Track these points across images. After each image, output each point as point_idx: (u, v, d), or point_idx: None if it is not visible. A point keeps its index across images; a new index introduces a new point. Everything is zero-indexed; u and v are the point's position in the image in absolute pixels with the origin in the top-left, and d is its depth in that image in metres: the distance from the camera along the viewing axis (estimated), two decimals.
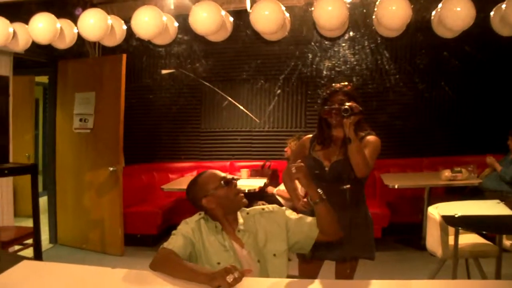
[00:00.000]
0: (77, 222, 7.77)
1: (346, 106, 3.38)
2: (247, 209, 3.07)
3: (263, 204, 3.21)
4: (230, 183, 2.94)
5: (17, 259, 3.04)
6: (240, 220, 2.96)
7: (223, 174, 2.99)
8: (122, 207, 7.30)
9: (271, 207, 3.09)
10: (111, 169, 7.22)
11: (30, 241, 6.01)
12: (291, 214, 3.04)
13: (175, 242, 2.80)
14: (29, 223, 6.21)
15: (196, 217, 3.00)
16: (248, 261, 2.86)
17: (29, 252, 5.96)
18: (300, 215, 3.07)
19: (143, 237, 7.73)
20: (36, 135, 10.88)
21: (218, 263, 2.81)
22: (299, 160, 3.13)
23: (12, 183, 7.22)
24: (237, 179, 3.02)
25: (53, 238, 8.07)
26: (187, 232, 2.87)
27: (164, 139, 9.13)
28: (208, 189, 2.95)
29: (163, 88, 8.82)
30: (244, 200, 2.96)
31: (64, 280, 2.66)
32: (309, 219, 3.02)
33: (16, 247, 6.06)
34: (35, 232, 5.70)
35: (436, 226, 4.84)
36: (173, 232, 2.91)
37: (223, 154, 8.91)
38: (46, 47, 6.56)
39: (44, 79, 9.35)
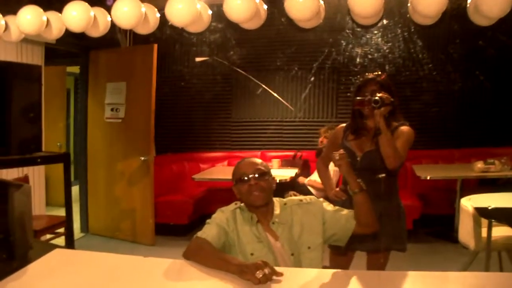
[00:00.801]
0: (108, 211, 7.82)
1: (376, 97, 3.35)
2: (285, 199, 3.06)
3: (294, 195, 3.21)
4: (242, 181, 2.93)
5: (49, 247, 3.06)
6: (276, 212, 2.94)
7: (245, 169, 2.96)
8: (153, 197, 7.33)
9: (308, 198, 3.06)
10: (143, 158, 7.26)
11: (61, 230, 6.06)
12: (328, 206, 3.02)
13: (209, 231, 2.83)
14: (60, 212, 6.25)
15: (232, 206, 3.01)
16: (281, 253, 2.85)
17: (60, 241, 6.01)
18: (337, 207, 3.04)
19: (174, 227, 7.75)
20: (68, 125, 10.97)
21: (252, 254, 2.81)
22: (341, 150, 3.12)
23: (44, 172, 7.27)
24: (263, 172, 2.97)
25: (84, 228, 8.14)
26: (222, 221, 2.88)
27: (195, 129, 9.13)
28: (233, 180, 3.03)
29: (194, 76, 8.83)
30: (258, 201, 2.91)
31: (97, 269, 2.66)
32: (346, 211, 3.01)
33: (48, 236, 6.11)
34: (68, 221, 5.72)
35: (469, 218, 4.78)
36: (208, 221, 2.92)
37: (254, 144, 8.89)
38: (77, 37, 6.59)
39: (75, 69, 9.43)
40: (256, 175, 2.91)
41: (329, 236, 2.96)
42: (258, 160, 3.03)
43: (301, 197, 3.10)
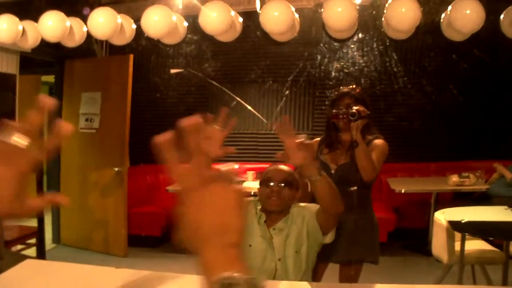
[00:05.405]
0: (81, 222, 7.74)
1: (353, 110, 3.37)
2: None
3: None
4: (266, 185, 2.99)
5: (20, 258, 3.03)
6: (282, 220, 3.00)
7: (272, 174, 3.03)
8: (126, 208, 7.29)
9: (306, 204, 3.15)
10: (116, 169, 7.22)
11: (33, 240, 6.00)
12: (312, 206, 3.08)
13: None
14: (32, 223, 6.19)
15: (249, 199, 3.16)
16: (275, 253, 2.93)
17: (31, 251, 5.96)
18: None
19: (147, 238, 7.71)
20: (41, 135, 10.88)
21: (250, 245, 2.91)
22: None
23: None
24: (289, 182, 3.00)
25: (56, 238, 8.06)
26: None
27: None
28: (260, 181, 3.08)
29: (170, 88, 8.80)
30: (272, 207, 2.98)
31: (68, 280, 2.64)
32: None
33: (19, 247, 6.06)
34: (39, 232, 5.70)
35: (443, 231, 4.81)
36: None
37: (229, 156, 8.83)
38: (53, 47, 6.57)
39: (50, 78, 9.37)
40: (281, 184, 2.96)
41: (311, 234, 3.00)
42: (288, 170, 3.07)
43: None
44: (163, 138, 1.01)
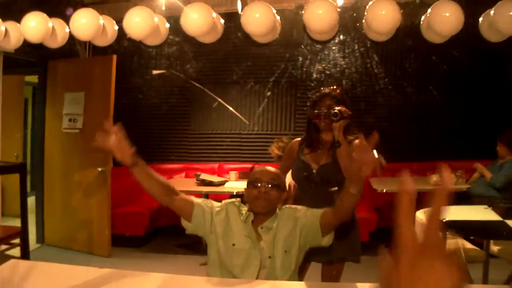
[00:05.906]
0: (65, 222, 7.74)
1: (335, 110, 3.40)
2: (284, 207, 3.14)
3: None
4: (253, 186, 3.00)
5: (4, 258, 3.04)
6: (269, 220, 3.01)
7: (260, 175, 3.04)
8: (110, 208, 7.28)
9: (299, 206, 3.14)
10: (100, 169, 7.21)
11: (17, 240, 5.99)
12: (309, 210, 3.09)
13: (197, 199, 3.06)
14: (16, 222, 6.18)
15: (228, 201, 3.14)
16: (262, 253, 2.92)
17: (15, 252, 5.94)
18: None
19: (130, 238, 7.71)
20: (25, 135, 10.85)
21: (233, 244, 2.91)
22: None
23: (0, 182, 7.20)
24: (276, 184, 3.03)
25: (40, 238, 8.04)
26: (211, 208, 3.03)
27: (153, 141, 9.06)
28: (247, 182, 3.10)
29: (153, 89, 8.80)
30: (259, 209, 2.98)
31: (52, 280, 2.66)
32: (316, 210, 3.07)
33: (3, 247, 6.04)
34: (23, 232, 5.68)
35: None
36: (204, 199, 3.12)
37: (212, 156, 8.88)
38: (36, 47, 6.57)
39: (33, 78, 9.34)
40: (269, 185, 2.97)
41: (305, 237, 3.01)
42: (275, 171, 3.11)
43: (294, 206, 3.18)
44: (410, 187, 0.90)
